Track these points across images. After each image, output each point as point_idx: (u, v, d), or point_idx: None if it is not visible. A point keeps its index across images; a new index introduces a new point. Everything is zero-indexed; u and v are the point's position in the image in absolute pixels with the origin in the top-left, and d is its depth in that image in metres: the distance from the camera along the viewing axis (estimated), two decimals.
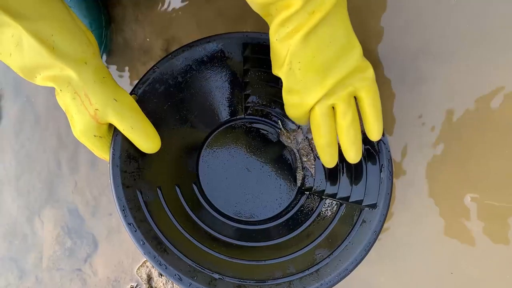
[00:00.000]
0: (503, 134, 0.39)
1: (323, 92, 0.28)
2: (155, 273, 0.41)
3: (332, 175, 0.37)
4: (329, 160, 0.31)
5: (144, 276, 0.41)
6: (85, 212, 0.43)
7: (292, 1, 0.25)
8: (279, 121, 0.39)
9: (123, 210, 0.29)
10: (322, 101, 0.28)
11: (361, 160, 0.34)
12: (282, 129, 0.39)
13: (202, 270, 0.30)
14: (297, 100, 0.29)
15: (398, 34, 0.41)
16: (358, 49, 0.28)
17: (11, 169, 0.46)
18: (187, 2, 0.44)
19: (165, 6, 0.45)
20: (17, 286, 0.44)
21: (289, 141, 0.39)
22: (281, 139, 0.39)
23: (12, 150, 0.46)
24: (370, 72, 0.28)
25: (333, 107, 0.29)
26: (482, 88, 0.40)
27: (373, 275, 0.39)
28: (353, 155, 0.30)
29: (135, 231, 0.28)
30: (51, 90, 0.46)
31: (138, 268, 0.41)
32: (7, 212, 0.45)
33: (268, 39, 0.29)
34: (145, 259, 0.41)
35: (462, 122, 0.39)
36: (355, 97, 0.29)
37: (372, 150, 0.34)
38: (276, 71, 0.30)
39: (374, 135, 0.30)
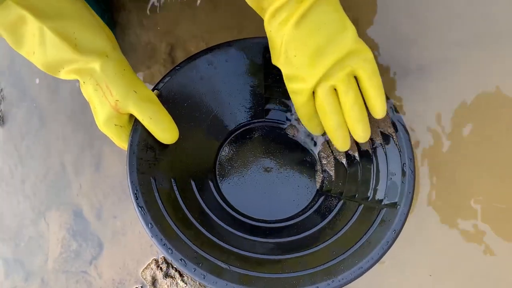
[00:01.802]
0: (507, 134, 0.39)
1: (320, 73, 0.29)
2: (159, 275, 0.41)
3: (351, 177, 0.37)
4: (341, 143, 0.32)
5: (149, 278, 0.41)
6: (90, 215, 0.44)
7: None
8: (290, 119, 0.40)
9: (135, 193, 0.29)
10: (322, 84, 0.29)
11: (383, 160, 0.34)
12: (290, 123, 0.39)
13: (209, 258, 0.30)
14: (298, 86, 0.30)
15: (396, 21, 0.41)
16: (351, 31, 0.28)
17: (16, 172, 0.46)
18: (190, 7, 0.45)
19: (169, 10, 0.45)
20: None
21: (293, 132, 0.39)
22: (287, 132, 0.40)
23: (17, 153, 0.46)
24: (367, 53, 0.29)
25: (336, 90, 0.30)
26: (486, 86, 0.40)
27: (376, 278, 0.39)
28: (361, 133, 0.31)
29: (145, 214, 0.29)
30: (56, 93, 0.46)
31: (143, 270, 0.42)
32: (13, 215, 0.45)
33: None
34: (149, 262, 0.42)
35: (466, 122, 0.40)
36: (356, 78, 0.30)
37: (394, 148, 0.34)
38: (275, 61, 0.31)
39: (377, 112, 0.30)
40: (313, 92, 0.31)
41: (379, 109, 0.30)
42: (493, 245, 0.38)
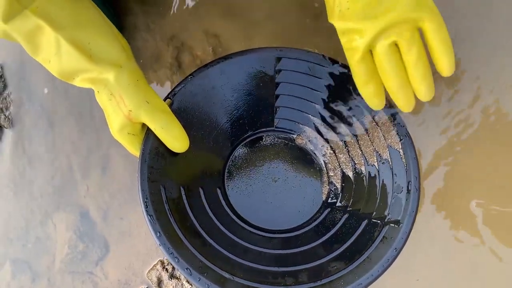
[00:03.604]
0: (509, 138, 0.39)
1: (378, 28, 0.26)
2: (165, 276, 0.42)
3: (357, 191, 0.37)
4: (404, 103, 0.29)
5: (154, 279, 0.42)
6: (96, 216, 0.44)
7: None
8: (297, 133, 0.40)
9: (146, 201, 0.30)
10: (382, 39, 0.27)
11: (389, 176, 0.35)
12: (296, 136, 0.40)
13: (213, 268, 0.30)
14: (352, 41, 0.28)
15: None
16: None
17: (24, 174, 0.47)
18: (197, 11, 0.45)
19: (176, 14, 0.46)
20: None
21: (302, 142, 0.40)
22: (296, 141, 0.40)
23: (25, 155, 0.47)
24: (432, 3, 0.26)
25: (397, 45, 0.27)
26: (491, 89, 0.40)
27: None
28: (425, 91, 0.28)
29: (154, 222, 0.30)
30: (64, 96, 0.47)
31: (149, 271, 0.42)
32: (20, 216, 0.46)
33: (300, 55, 0.33)
34: (154, 263, 0.42)
35: (468, 126, 0.40)
36: (419, 31, 0.27)
37: (400, 165, 0.34)
38: (330, 18, 0.29)
39: (445, 69, 0.28)
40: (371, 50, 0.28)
41: (448, 66, 0.27)
42: (491, 249, 0.38)
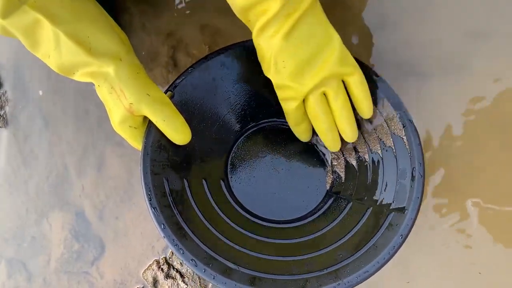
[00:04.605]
0: (504, 138, 0.39)
1: (312, 84, 0.30)
2: (160, 276, 0.41)
3: (361, 179, 0.37)
4: (332, 144, 0.35)
5: (150, 279, 0.42)
6: (92, 216, 0.44)
7: (269, 6, 0.28)
8: None
9: (149, 194, 0.30)
10: (314, 91, 0.31)
11: (393, 163, 0.35)
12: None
13: (218, 259, 0.30)
14: (289, 95, 0.32)
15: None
16: (337, 40, 0.30)
17: (19, 173, 0.46)
18: (193, 10, 0.45)
19: (171, 13, 0.46)
20: None
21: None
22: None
23: (21, 155, 0.47)
24: (352, 60, 0.31)
25: (325, 94, 0.32)
26: (483, 90, 0.40)
27: (376, 279, 0.40)
28: (350, 134, 0.33)
29: (158, 215, 0.30)
30: (59, 95, 0.47)
31: (144, 271, 0.42)
32: (16, 215, 0.46)
33: None
34: (150, 262, 0.42)
35: (463, 126, 0.40)
36: (343, 82, 0.32)
37: (404, 152, 0.34)
38: (266, 72, 0.32)
39: (365, 112, 0.33)
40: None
41: (367, 110, 0.33)
42: (487, 249, 0.38)
